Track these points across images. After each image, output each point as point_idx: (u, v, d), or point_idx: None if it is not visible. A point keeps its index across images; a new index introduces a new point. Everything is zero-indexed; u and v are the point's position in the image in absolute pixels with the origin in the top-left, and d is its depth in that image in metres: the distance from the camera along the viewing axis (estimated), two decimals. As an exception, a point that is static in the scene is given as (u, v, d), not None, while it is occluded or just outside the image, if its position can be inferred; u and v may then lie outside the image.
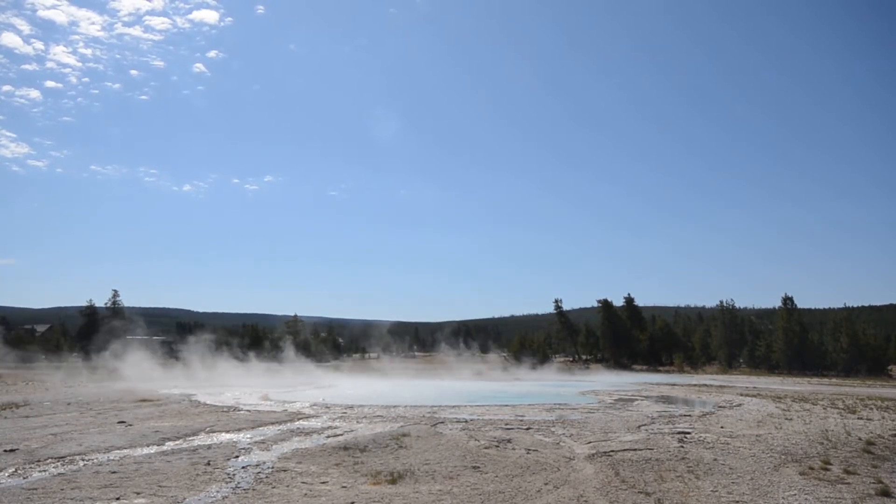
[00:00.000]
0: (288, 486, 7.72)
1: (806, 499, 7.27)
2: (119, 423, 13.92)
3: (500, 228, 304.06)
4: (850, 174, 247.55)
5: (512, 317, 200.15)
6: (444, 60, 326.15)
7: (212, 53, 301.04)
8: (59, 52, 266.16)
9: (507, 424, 13.88)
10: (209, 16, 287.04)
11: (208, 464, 9.09)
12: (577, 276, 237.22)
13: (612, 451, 10.41)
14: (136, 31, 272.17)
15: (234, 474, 8.41)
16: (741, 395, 24.29)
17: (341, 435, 12.17)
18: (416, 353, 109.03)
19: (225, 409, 17.20)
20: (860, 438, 11.98)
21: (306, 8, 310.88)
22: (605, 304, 68.36)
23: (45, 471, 8.62)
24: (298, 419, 14.91)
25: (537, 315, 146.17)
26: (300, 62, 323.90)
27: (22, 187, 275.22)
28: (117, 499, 7.05)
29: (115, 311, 64.17)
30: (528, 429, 13.11)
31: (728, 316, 65.71)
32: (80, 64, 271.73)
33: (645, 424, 14.17)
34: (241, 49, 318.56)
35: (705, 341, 68.61)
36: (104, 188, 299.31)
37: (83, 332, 62.54)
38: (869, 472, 8.76)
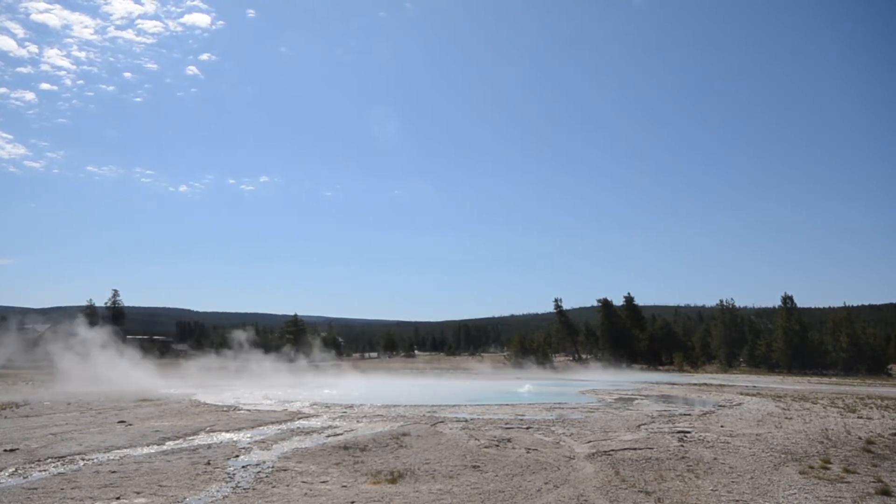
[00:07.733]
0: (288, 486, 7.71)
1: (806, 498, 7.27)
2: (119, 422, 13.91)
3: (499, 228, 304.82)
4: (850, 174, 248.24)
5: (512, 317, 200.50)
6: (437, 61, 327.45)
7: (204, 56, 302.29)
8: (54, 55, 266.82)
9: (507, 424, 13.87)
10: (201, 19, 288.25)
11: (208, 463, 9.09)
12: (577, 275, 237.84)
13: (612, 450, 10.41)
14: (129, 34, 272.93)
15: (234, 474, 8.40)
16: (741, 394, 24.28)
17: (341, 434, 12.17)
18: (417, 353, 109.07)
19: (225, 409, 17.20)
20: (860, 437, 11.98)
21: (296, 12, 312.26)
22: (605, 304, 68.46)
23: (45, 470, 8.61)
24: (298, 418, 14.91)
25: (537, 315, 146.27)
26: (292, 64, 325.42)
27: (19, 188, 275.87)
28: (117, 498, 7.05)
29: (115, 310, 64.24)
30: (528, 428, 13.11)
31: (728, 315, 65.77)
32: (74, 66, 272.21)
33: (645, 423, 14.16)
34: (233, 51, 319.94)
35: (705, 340, 68.66)
36: (101, 189, 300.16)
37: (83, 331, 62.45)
38: (869, 471, 8.75)
